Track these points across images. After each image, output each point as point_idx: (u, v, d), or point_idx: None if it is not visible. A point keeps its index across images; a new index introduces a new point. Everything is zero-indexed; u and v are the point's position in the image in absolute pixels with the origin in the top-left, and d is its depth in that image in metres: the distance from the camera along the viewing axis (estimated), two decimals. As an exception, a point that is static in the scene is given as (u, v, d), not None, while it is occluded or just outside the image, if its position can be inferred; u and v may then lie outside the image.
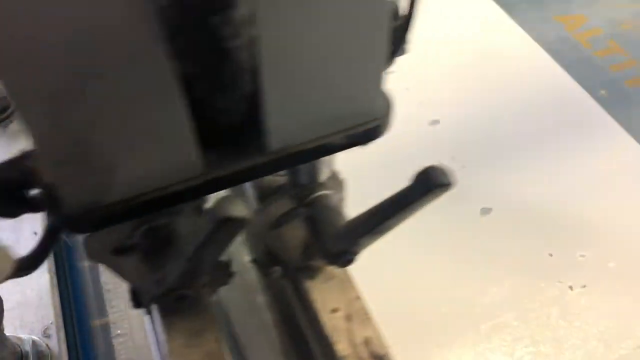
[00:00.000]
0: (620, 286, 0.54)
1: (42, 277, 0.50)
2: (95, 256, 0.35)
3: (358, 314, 0.37)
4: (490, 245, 0.57)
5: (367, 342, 0.36)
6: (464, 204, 0.57)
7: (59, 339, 0.47)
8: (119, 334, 0.52)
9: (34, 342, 0.45)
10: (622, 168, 0.60)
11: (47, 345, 0.46)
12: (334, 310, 0.37)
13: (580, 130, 0.53)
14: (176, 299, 0.36)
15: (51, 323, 0.47)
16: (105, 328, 0.52)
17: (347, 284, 0.39)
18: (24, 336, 0.45)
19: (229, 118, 0.28)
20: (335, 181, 0.36)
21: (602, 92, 0.66)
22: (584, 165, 0.58)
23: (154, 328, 0.43)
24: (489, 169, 0.62)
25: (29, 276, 0.48)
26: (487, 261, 0.56)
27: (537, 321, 0.53)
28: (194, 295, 0.37)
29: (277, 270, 0.40)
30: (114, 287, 0.55)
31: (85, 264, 0.56)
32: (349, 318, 0.37)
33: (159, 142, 0.26)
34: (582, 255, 0.55)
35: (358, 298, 0.38)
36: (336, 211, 0.35)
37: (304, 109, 0.28)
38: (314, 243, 0.37)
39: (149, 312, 0.42)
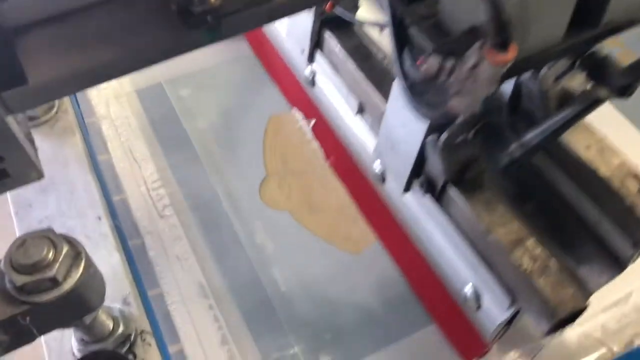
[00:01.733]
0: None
1: (113, 256, 0.57)
2: (445, 150, 0.46)
3: (607, 148, 0.47)
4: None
5: (621, 165, 0.46)
6: None
7: (137, 306, 0.55)
8: (173, 302, 0.61)
9: (119, 309, 0.53)
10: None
11: (128, 311, 0.54)
12: (587, 147, 0.47)
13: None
14: (518, 167, 0.46)
15: (129, 293, 0.55)
16: (160, 297, 0.61)
17: (590, 128, 0.49)
18: (110, 305, 0.54)
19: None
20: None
21: None
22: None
23: (450, 209, 0.51)
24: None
25: (101, 257, 0.57)
26: None
27: None
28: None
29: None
30: (161, 262, 0.64)
31: (134, 242, 0.65)
32: (601, 152, 0.47)
33: (556, 15, 0.35)
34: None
35: (604, 138, 0.48)
36: (611, 57, 0.44)
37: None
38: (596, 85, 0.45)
39: (439, 196, 0.51)
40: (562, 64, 0.45)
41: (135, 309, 0.54)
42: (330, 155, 0.72)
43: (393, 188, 0.59)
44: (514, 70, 0.35)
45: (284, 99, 0.79)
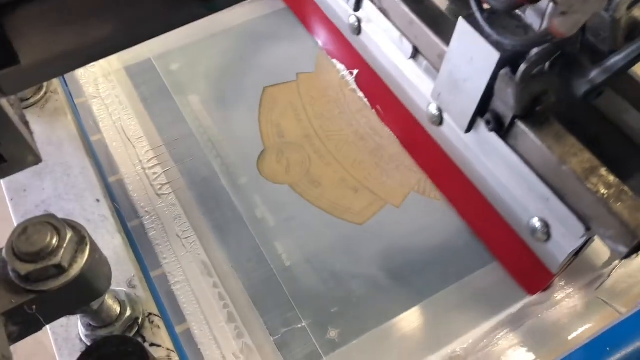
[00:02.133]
0: None
1: (115, 238, 0.56)
2: (523, 81, 0.46)
3: None
4: None
5: None
6: None
7: (143, 288, 0.54)
8: (177, 282, 0.60)
9: (124, 292, 0.52)
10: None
11: (135, 294, 0.54)
12: None
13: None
14: (598, 95, 0.47)
15: (133, 276, 0.54)
16: (163, 278, 0.61)
17: None
18: (116, 289, 0.53)
19: None
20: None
21: None
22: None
23: (519, 144, 0.51)
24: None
25: (103, 240, 0.56)
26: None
27: None
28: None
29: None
30: (162, 242, 0.63)
31: (133, 223, 0.64)
32: None
33: None
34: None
35: None
36: None
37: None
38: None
39: (506, 133, 0.51)
40: None
41: (142, 291, 0.53)
42: (376, 104, 0.72)
43: (452, 130, 0.59)
44: None
45: (276, 71, 0.77)
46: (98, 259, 0.41)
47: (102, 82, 0.75)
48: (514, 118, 0.49)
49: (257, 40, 0.80)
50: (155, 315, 0.50)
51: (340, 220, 0.65)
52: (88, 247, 0.40)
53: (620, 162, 0.49)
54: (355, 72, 0.75)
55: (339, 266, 0.62)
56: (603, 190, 0.45)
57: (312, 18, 0.80)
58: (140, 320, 0.50)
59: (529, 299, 0.60)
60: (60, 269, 0.38)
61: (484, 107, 0.51)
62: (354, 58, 0.73)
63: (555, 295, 0.59)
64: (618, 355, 0.54)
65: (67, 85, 0.74)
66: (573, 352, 0.55)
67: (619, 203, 0.45)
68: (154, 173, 0.68)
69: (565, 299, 0.60)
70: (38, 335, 0.42)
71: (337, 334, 0.58)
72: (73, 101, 0.73)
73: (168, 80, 0.76)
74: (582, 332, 0.57)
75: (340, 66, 0.77)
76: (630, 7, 0.45)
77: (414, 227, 0.64)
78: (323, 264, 0.62)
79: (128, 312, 0.49)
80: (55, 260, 0.38)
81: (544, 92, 0.48)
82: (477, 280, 0.61)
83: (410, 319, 0.59)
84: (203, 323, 0.58)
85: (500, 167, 0.55)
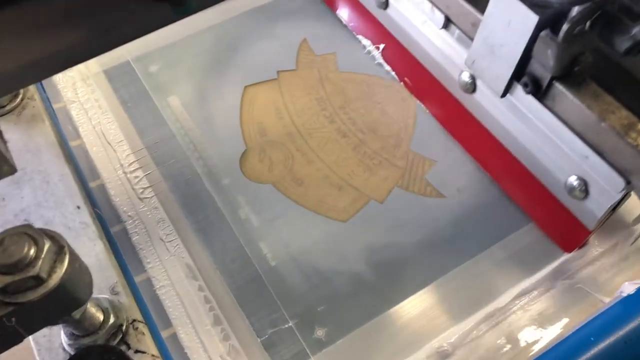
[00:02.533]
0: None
1: (97, 245, 0.56)
2: (565, 41, 0.46)
3: None
4: None
5: None
6: None
7: (126, 294, 0.53)
8: (162, 286, 0.60)
9: (107, 299, 0.52)
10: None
11: (118, 300, 0.53)
12: None
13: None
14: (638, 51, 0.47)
15: (116, 282, 0.53)
16: (148, 283, 0.60)
17: None
18: (98, 296, 0.52)
19: None
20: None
21: None
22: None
23: (556, 104, 0.52)
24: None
25: (85, 247, 0.56)
26: None
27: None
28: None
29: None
30: (146, 246, 0.62)
31: (116, 228, 0.63)
32: None
33: None
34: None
35: None
36: None
37: None
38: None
39: (544, 95, 0.52)
40: None
41: (125, 298, 0.52)
42: (404, 77, 0.74)
43: (485, 96, 0.61)
44: None
45: (272, 63, 0.76)
46: (78, 268, 0.40)
47: (81, 86, 0.74)
48: (551, 79, 0.51)
49: (236, 40, 0.80)
50: (139, 321, 0.50)
51: (325, 218, 0.65)
52: (67, 256, 0.39)
53: None
54: (382, 46, 0.76)
55: (325, 264, 0.62)
56: None
57: None
58: (124, 327, 0.49)
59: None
60: (38, 280, 0.38)
61: (520, 71, 0.53)
62: (380, 33, 0.75)
63: (591, 252, 0.62)
64: (602, 345, 0.54)
65: (44, 91, 0.73)
66: (556, 345, 0.55)
67: None
68: (136, 177, 0.67)
69: (600, 256, 0.61)
70: (20, 344, 0.41)
71: (324, 332, 0.58)
72: (51, 106, 0.72)
73: (147, 82, 0.75)
74: (615, 284, 0.60)
75: (366, 42, 0.78)
76: None
77: (398, 221, 0.64)
78: (308, 263, 0.62)
79: (111, 320, 0.49)
80: (34, 271, 0.37)
81: (582, 53, 0.50)
82: (458, 275, 0.61)
83: (398, 315, 0.59)
84: (189, 327, 0.58)
85: (536, 129, 0.57)
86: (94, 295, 0.46)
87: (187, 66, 0.77)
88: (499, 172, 0.67)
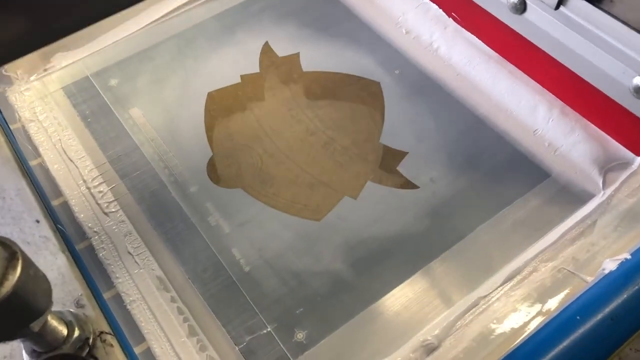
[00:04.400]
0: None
1: (58, 258, 0.53)
2: None
3: None
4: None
5: None
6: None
7: (92, 307, 0.51)
8: (132, 300, 0.57)
9: (71, 312, 0.49)
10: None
11: (83, 313, 0.50)
12: None
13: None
14: None
15: (81, 295, 0.51)
16: (118, 298, 0.57)
17: None
18: (61, 310, 0.49)
19: None
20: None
21: None
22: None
23: (612, 10, 0.54)
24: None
25: (45, 261, 0.53)
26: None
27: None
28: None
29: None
30: (113, 261, 0.60)
31: (81, 245, 0.61)
32: None
33: None
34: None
35: None
36: None
37: None
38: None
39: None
40: None
41: (91, 310, 0.50)
42: (451, 12, 0.75)
43: (537, 13, 0.62)
44: None
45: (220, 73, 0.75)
46: (33, 275, 0.38)
47: (39, 104, 0.72)
48: None
49: (197, 49, 0.78)
50: (107, 333, 0.47)
51: (298, 219, 0.63)
52: (20, 262, 0.37)
53: None
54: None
55: (300, 266, 0.60)
56: None
57: None
58: (90, 340, 0.47)
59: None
60: (-11, 289, 0.36)
61: None
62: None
63: (570, 233, 0.60)
64: (589, 324, 0.53)
65: (0, 112, 0.70)
66: (543, 325, 0.53)
67: None
68: (100, 191, 0.65)
69: (580, 235, 0.60)
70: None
71: (304, 335, 0.56)
72: (9, 127, 0.69)
73: (108, 96, 0.73)
74: (597, 262, 0.58)
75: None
76: None
77: (374, 216, 0.63)
78: (283, 266, 0.60)
79: (76, 333, 0.46)
80: (-18, 279, 0.35)
81: None
82: (438, 266, 0.60)
83: (379, 311, 0.57)
84: (163, 340, 0.55)
85: (594, 37, 0.57)
86: (57, 309, 0.44)
87: (147, 78, 0.75)
88: (560, 90, 0.67)
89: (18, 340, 0.44)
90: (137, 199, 0.64)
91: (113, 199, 0.64)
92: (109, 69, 0.76)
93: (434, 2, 0.77)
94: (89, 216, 0.63)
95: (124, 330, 0.55)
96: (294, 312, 0.57)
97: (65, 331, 0.46)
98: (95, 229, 0.62)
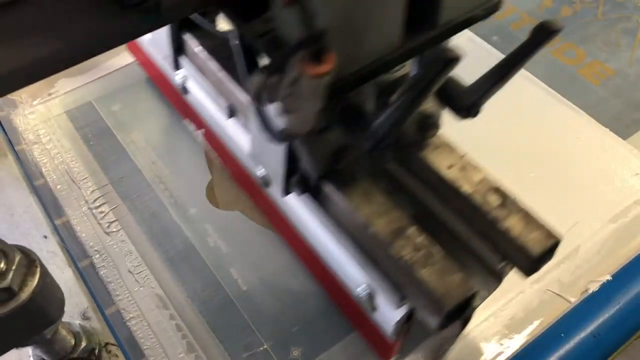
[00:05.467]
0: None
1: (65, 272, 0.54)
2: (304, 139, 0.44)
3: (468, 165, 0.47)
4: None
5: (482, 181, 0.46)
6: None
7: (98, 319, 0.52)
8: (132, 317, 0.59)
9: (79, 324, 0.51)
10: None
11: (90, 325, 0.52)
12: (450, 167, 0.47)
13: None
14: (385, 148, 0.41)
15: (87, 307, 0.52)
16: (118, 315, 0.59)
17: (451, 147, 0.48)
18: (70, 321, 0.51)
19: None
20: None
21: (495, 37, 0.84)
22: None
23: (327, 205, 0.48)
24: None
25: (53, 275, 0.54)
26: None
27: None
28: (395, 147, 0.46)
29: (390, 154, 0.48)
30: (114, 279, 0.61)
31: (84, 262, 0.62)
32: (462, 169, 0.47)
33: (387, 21, 0.34)
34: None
35: (464, 155, 0.48)
36: (454, 78, 0.43)
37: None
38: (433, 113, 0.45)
39: (317, 195, 0.48)
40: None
41: (97, 323, 0.51)
42: (228, 165, 0.69)
43: (278, 192, 0.55)
44: (356, 81, 0.35)
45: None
46: (49, 283, 0.40)
47: (42, 127, 0.74)
48: (320, 178, 0.46)
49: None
50: (112, 344, 0.48)
51: (294, 241, 0.65)
52: (38, 269, 0.39)
53: (438, 213, 0.48)
54: (202, 131, 0.70)
55: (296, 284, 0.62)
56: (409, 255, 0.42)
57: (157, 79, 0.77)
58: (97, 351, 0.48)
59: None
60: (10, 293, 0.37)
61: (293, 169, 0.49)
62: (197, 117, 0.69)
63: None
64: (573, 342, 0.55)
65: (5, 133, 0.73)
66: (530, 342, 0.56)
67: (426, 268, 0.41)
68: (101, 212, 0.67)
69: (565, 259, 0.62)
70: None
71: (300, 352, 0.58)
72: (13, 148, 0.71)
73: (110, 120, 0.76)
74: (580, 284, 0.60)
75: (191, 126, 0.73)
76: None
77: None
78: (280, 285, 0.62)
79: (83, 344, 0.48)
80: (5, 283, 0.37)
81: (343, 148, 0.45)
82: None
83: (372, 329, 0.59)
84: (162, 356, 0.57)
85: (322, 230, 0.53)
86: (65, 319, 0.45)
87: (148, 104, 0.78)
88: (316, 273, 0.60)
89: (27, 347, 0.46)
90: (138, 219, 0.66)
91: (114, 219, 0.66)
92: (112, 95, 0.79)
93: (213, 150, 0.71)
94: (90, 235, 0.64)
95: (124, 346, 0.56)
96: (290, 329, 0.59)
97: (73, 341, 0.47)
98: (96, 248, 0.64)
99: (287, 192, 0.52)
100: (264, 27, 0.36)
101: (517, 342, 0.57)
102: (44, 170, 0.70)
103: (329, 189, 0.47)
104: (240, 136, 0.61)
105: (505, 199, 0.46)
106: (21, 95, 0.77)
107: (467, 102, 0.42)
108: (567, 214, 0.67)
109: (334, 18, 0.31)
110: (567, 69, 0.83)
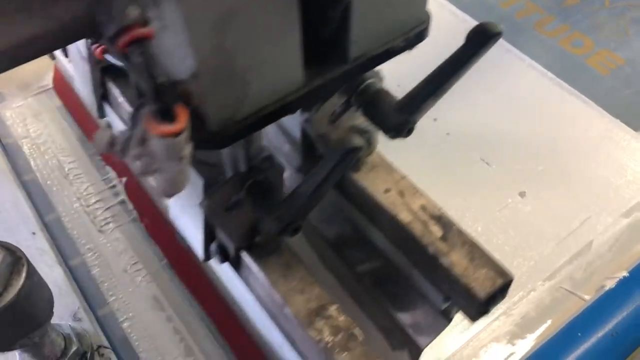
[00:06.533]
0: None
1: (55, 271, 0.52)
2: (212, 215, 0.40)
3: (408, 189, 0.42)
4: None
5: (423, 208, 0.41)
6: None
7: (90, 320, 0.49)
8: (126, 318, 0.56)
9: (69, 326, 0.48)
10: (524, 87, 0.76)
11: (81, 327, 0.49)
12: (387, 191, 0.42)
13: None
14: (292, 231, 0.38)
15: (78, 308, 0.49)
16: (111, 316, 0.56)
17: (390, 168, 0.43)
18: (59, 322, 0.48)
19: (327, 30, 0.31)
20: (376, 72, 0.39)
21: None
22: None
23: (247, 278, 0.44)
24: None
25: (42, 273, 0.52)
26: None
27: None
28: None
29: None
30: (107, 278, 0.59)
31: (76, 261, 0.59)
32: (401, 194, 0.42)
33: (280, 59, 0.30)
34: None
35: (404, 177, 0.43)
36: (386, 92, 0.39)
37: (378, 18, 0.32)
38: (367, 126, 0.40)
39: (236, 265, 0.44)
40: (335, 102, 0.40)
41: (88, 324, 0.49)
42: (145, 217, 0.64)
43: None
44: (249, 126, 0.31)
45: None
46: (37, 282, 0.37)
47: (32, 122, 0.71)
48: (237, 249, 0.42)
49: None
50: (105, 347, 0.46)
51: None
52: (25, 267, 0.36)
53: (378, 283, 0.44)
54: (124, 180, 0.66)
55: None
56: (327, 338, 0.38)
57: (82, 118, 0.71)
58: (88, 355, 0.45)
59: None
60: (-6, 294, 0.35)
61: (212, 235, 0.45)
62: (122, 164, 0.64)
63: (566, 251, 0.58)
64: (590, 341, 0.53)
65: (-7, 126, 0.70)
66: (546, 342, 0.53)
67: (345, 353, 0.37)
68: (95, 209, 0.64)
69: (577, 255, 0.60)
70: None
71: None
72: (0, 141, 0.69)
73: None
74: (594, 281, 0.58)
75: (113, 174, 0.67)
76: (334, 120, 0.41)
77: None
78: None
79: (74, 347, 0.45)
80: (-13, 283, 0.34)
81: (258, 221, 0.41)
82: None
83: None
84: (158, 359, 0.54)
85: (244, 300, 0.49)
86: (55, 321, 0.43)
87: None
88: (233, 341, 0.55)
89: (14, 352, 0.43)
90: (133, 218, 0.64)
91: (108, 216, 0.63)
92: (104, 89, 0.76)
93: (130, 201, 0.65)
94: (82, 233, 0.62)
95: (117, 349, 0.53)
96: (291, 331, 0.56)
97: (63, 344, 0.44)
98: (88, 246, 0.61)
99: (207, 258, 0.48)
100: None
101: (530, 341, 0.55)
102: (33, 164, 0.67)
103: (247, 262, 0.42)
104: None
105: (449, 229, 0.41)
106: (9, 87, 0.74)
107: (396, 121, 0.37)
108: (578, 209, 0.64)
109: (204, 61, 0.27)
110: (575, 59, 0.81)
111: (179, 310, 0.57)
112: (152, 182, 0.26)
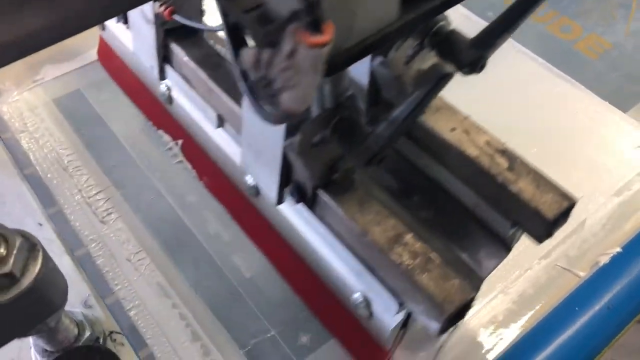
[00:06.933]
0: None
1: (64, 260, 0.52)
2: (301, 152, 0.42)
3: (472, 128, 0.46)
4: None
5: (487, 143, 0.45)
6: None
7: (101, 307, 0.50)
8: (133, 307, 0.57)
9: (82, 313, 0.48)
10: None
11: (92, 314, 0.50)
12: (453, 130, 0.45)
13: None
14: (380, 161, 0.41)
15: (89, 295, 0.50)
16: (118, 304, 0.57)
17: (452, 110, 0.47)
18: (72, 309, 0.49)
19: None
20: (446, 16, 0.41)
21: (490, 13, 0.82)
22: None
23: (323, 215, 0.47)
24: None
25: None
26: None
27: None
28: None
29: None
30: (112, 268, 0.59)
31: (80, 252, 0.60)
32: (466, 132, 0.45)
33: None
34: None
35: (467, 117, 0.46)
36: (458, 32, 0.41)
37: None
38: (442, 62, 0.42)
39: (312, 205, 0.47)
40: (410, 44, 0.41)
41: (99, 311, 0.49)
42: (204, 175, 0.66)
43: (268, 201, 0.53)
44: (353, 56, 0.33)
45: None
46: (52, 268, 0.38)
47: (29, 115, 0.72)
48: (315, 188, 0.45)
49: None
50: (117, 332, 0.46)
51: (297, 224, 0.63)
52: (40, 254, 0.37)
53: (439, 220, 0.47)
54: (180, 142, 0.68)
55: (302, 269, 0.60)
56: (407, 261, 0.41)
57: (132, 89, 0.73)
58: (101, 340, 0.46)
59: None
60: (11, 279, 0.35)
61: (287, 178, 0.47)
62: (176, 128, 0.67)
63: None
64: (587, 314, 0.55)
65: (-10, 121, 0.70)
66: (545, 317, 0.55)
67: (425, 274, 0.41)
68: (96, 200, 0.64)
69: (572, 233, 0.61)
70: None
71: (308, 338, 0.56)
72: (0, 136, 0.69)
73: (100, 109, 0.73)
74: (588, 258, 0.59)
75: (167, 137, 0.69)
76: (409, 61, 0.42)
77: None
78: (285, 269, 0.60)
79: (87, 333, 0.46)
80: (6, 268, 0.35)
81: (338, 158, 0.44)
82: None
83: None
84: (166, 345, 0.55)
85: (316, 239, 0.52)
86: (67, 308, 0.43)
87: (140, 90, 0.75)
88: (298, 283, 0.58)
89: (28, 339, 0.44)
90: (134, 208, 0.64)
91: (110, 207, 0.64)
92: (101, 84, 0.76)
93: (187, 161, 0.68)
94: (85, 224, 0.62)
95: (127, 336, 0.54)
96: (297, 315, 0.57)
97: (76, 330, 0.45)
98: (91, 237, 0.61)
99: (280, 201, 0.50)
100: (250, 2, 0.34)
101: (528, 318, 0.56)
102: (32, 159, 0.67)
103: (324, 199, 0.46)
104: (228, 146, 0.59)
105: (514, 161, 0.45)
106: (4, 82, 0.74)
107: (472, 56, 0.39)
108: (571, 189, 0.65)
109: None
110: (564, 44, 0.82)
111: (184, 297, 0.58)
112: (283, 99, 0.29)
